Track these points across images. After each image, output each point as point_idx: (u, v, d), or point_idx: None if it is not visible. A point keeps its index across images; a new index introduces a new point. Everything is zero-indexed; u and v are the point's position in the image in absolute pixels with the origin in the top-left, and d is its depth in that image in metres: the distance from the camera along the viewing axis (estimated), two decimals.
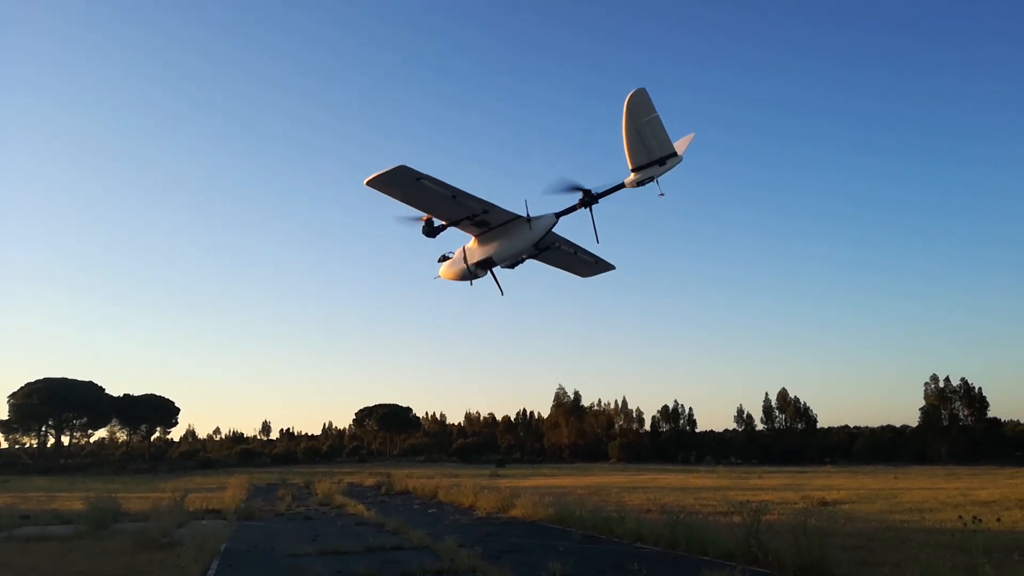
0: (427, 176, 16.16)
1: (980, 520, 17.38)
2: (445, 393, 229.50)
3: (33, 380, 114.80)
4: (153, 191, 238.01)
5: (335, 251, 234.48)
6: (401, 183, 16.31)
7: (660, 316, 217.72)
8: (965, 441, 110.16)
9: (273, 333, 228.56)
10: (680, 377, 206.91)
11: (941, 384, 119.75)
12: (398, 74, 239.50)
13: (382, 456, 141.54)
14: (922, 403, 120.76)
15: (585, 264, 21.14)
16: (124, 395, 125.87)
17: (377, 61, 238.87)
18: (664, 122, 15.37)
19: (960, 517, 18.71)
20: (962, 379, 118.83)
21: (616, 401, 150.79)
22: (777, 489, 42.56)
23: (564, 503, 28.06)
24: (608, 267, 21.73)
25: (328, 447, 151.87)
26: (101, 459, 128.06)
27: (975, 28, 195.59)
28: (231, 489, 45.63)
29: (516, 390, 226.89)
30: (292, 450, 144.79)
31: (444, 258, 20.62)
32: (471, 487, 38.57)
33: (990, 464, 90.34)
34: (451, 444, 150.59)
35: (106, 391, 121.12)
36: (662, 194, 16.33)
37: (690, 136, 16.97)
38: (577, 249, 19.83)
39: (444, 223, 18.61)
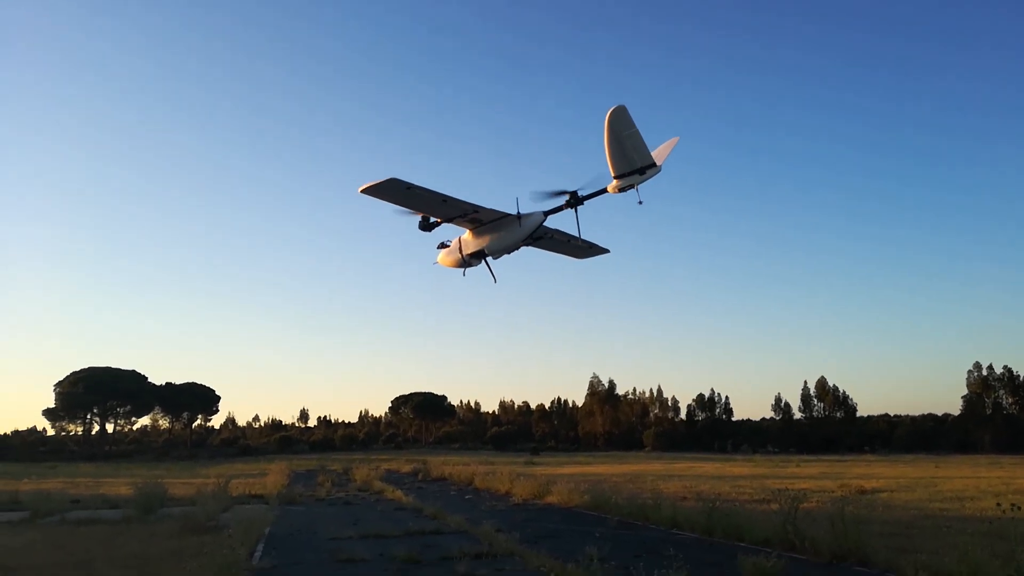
0: (416, 186, 17.35)
1: (1020, 508, 17.28)
2: (479, 381, 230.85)
3: (78, 369, 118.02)
4: (195, 182, 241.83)
5: (371, 240, 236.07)
6: (393, 192, 17.62)
7: (696, 304, 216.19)
8: (1009, 429, 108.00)
9: (310, 322, 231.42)
10: (716, 366, 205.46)
11: (984, 372, 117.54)
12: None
13: (417, 444, 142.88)
14: (965, 391, 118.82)
15: (579, 249, 22.30)
16: (166, 383, 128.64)
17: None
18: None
19: (999, 505, 18.55)
20: (1005, 366, 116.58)
21: (651, 389, 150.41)
22: (815, 477, 42.29)
23: (599, 490, 28.23)
24: (602, 251, 22.88)
25: (365, 434, 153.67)
26: (144, 446, 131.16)
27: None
28: (272, 475, 46.59)
29: (550, 379, 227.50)
30: (330, 437, 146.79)
31: (443, 245, 21.81)
32: (507, 474, 38.91)
33: None
34: (486, 432, 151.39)
35: (149, 380, 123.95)
36: (640, 202, 17.57)
37: (674, 140, 18.20)
38: (570, 238, 20.81)
39: (439, 220, 19.90)
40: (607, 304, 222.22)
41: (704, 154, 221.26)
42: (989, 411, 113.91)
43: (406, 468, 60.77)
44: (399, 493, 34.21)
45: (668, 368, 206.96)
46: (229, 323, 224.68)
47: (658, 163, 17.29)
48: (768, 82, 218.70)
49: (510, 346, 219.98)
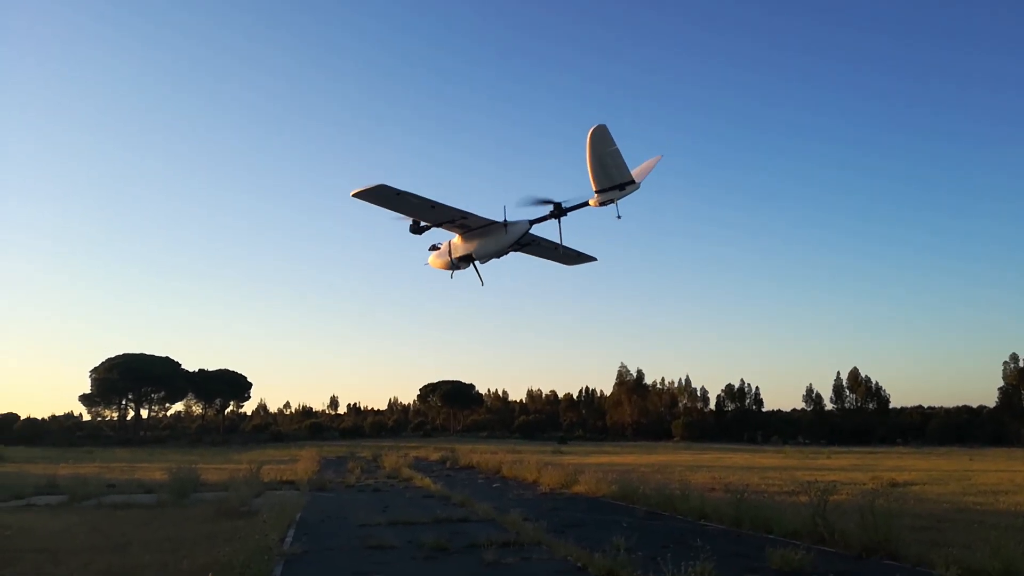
0: (406, 192, 17.95)
1: None
2: (507, 370, 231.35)
3: (113, 356, 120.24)
4: (222, 170, 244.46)
5: (402, 230, 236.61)
6: (383, 197, 18.08)
7: (726, 293, 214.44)
8: None
9: (340, 310, 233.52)
10: (747, 356, 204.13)
11: (1021, 364, 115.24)
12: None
13: (446, 432, 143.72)
14: (1000, 383, 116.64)
15: (567, 256, 22.93)
16: (199, 370, 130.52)
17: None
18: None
19: None
20: None
21: (680, 379, 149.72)
22: (846, 469, 41.88)
23: (627, 480, 28.23)
24: (590, 259, 23.47)
25: (394, 422, 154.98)
26: (178, 432, 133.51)
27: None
28: (303, 461, 47.17)
29: (578, 368, 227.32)
30: (359, 424, 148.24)
31: (434, 247, 22.52)
32: (534, 463, 39.02)
33: None
34: (513, 421, 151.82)
35: (182, 366, 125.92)
36: (619, 216, 18.31)
37: (657, 158, 18.84)
38: (557, 245, 21.18)
39: (428, 224, 20.63)
40: (636, 293, 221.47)
41: (736, 140, 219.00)
42: None
43: (434, 456, 61.18)
44: (427, 481, 34.48)
45: (697, 358, 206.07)
46: (261, 311, 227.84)
47: (638, 181, 17.99)
48: (800, 58, 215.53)
49: (538, 335, 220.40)
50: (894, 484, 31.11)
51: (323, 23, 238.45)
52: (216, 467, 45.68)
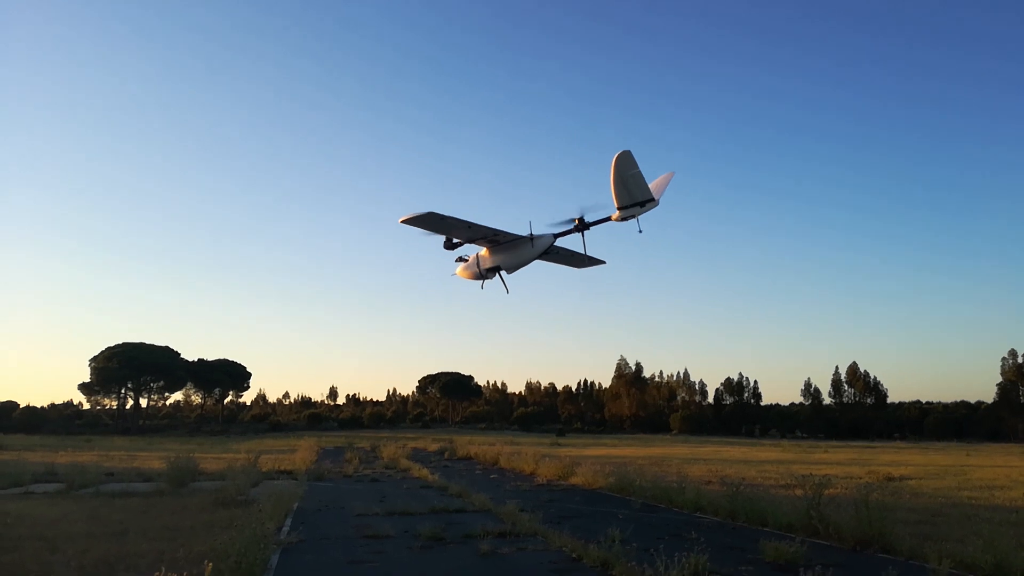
0: (449, 216, 20.37)
1: None
2: (506, 362, 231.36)
3: (113, 345, 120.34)
4: (220, 161, 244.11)
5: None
6: (428, 221, 20.57)
7: (725, 287, 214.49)
8: None
9: (340, 301, 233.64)
10: (745, 350, 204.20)
11: (1019, 359, 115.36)
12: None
13: (444, 423, 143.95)
14: (999, 379, 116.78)
15: (581, 261, 24.84)
16: (198, 360, 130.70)
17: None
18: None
19: None
20: None
21: (678, 373, 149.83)
22: (843, 464, 42.01)
23: (624, 473, 28.29)
24: (599, 262, 25.49)
25: (392, 413, 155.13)
26: (177, 421, 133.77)
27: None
28: (301, 452, 47.30)
29: (577, 361, 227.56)
30: (358, 415, 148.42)
31: (461, 259, 24.38)
32: (532, 455, 39.14)
33: None
34: (512, 413, 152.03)
35: (181, 356, 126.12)
36: (640, 231, 20.16)
37: (670, 175, 21.09)
38: (574, 253, 23.34)
39: (461, 240, 22.71)
40: (635, 287, 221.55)
41: (738, 137, 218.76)
42: (1023, 399, 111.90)
43: (432, 447, 61.32)
44: (425, 471, 34.58)
45: (696, 352, 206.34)
46: (261, 302, 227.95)
47: (656, 198, 19.75)
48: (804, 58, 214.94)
49: (537, 328, 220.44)
50: (890, 478, 31.21)
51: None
52: (214, 456, 45.82)
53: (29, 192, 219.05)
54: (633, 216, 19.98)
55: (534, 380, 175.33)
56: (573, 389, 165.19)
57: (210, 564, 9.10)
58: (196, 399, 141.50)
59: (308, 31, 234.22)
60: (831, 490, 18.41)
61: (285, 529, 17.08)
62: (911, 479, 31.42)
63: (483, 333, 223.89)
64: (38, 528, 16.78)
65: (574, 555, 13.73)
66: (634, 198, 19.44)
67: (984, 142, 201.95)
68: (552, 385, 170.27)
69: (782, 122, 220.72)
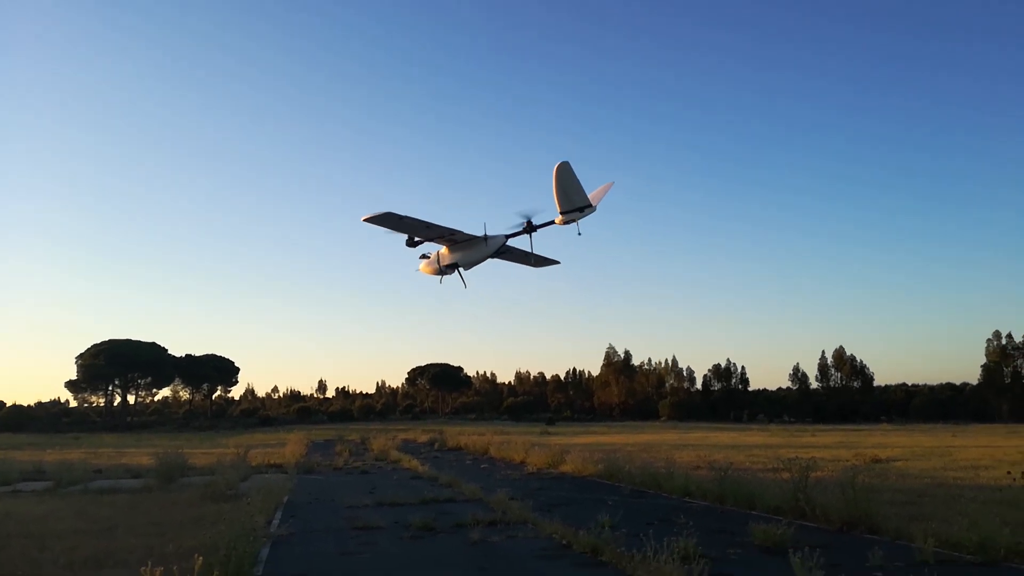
0: (407, 216, 21.83)
1: None
2: (495, 353, 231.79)
3: (99, 342, 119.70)
4: (208, 159, 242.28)
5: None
6: (388, 220, 21.82)
7: (713, 274, 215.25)
8: None
9: (328, 295, 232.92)
10: (733, 336, 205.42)
11: (1004, 341, 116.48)
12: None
13: (434, 414, 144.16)
14: (983, 360, 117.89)
15: (534, 260, 26.19)
16: (186, 355, 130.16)
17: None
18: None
19: (1009, 473, 18.56)
20: None
21: (667, 360, 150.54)
22: (830, 447, 42.33)
23: (613, 460, 28.40)
24: (553, 262, 26.98)
25: (382, 405, 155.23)
26: (165, 417, 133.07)
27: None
28: (290, 445, 47.21)
29: (566, 350, 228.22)
30: (348, 408, 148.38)
31: (424, 256, 25.98)
32: (522, 444, 39.22)
33: None
34: (501, 403, 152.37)
35: (169, 352, 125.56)
36: (580, 233, 21.77)
37: (609, 184, 22.94)
38: (528, 253, 24.72)
39: (422, 239, 24.22)
40: (623, 275, 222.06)
41: (724, 123, 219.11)
42: (1008, 380, 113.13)
43: (423, 438, 61.32)
44: (415, 462, 34.60)
45: (684, 338, 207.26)
46: (249, 297, 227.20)
47: (595, 204, 21.44)
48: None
49: (526, 318, 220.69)
50: (877, 460, 31.49)
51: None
52: (203, 452, 45.69)
53: (13, 192, 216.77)
54: (574, 220, 21.50)
55: (523, 370, 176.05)
56: (562, 378, 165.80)
57: (200, 558, 9.06)
58: (184, 395, 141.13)
59: None
60: (818, 473, 18.56)
61: (275, 522, 17.07)
62: (897, 460, 31.72)
63: (472, 324, 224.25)
64: (26, 526, 16.68)
65: (564, 541, 13.81)
66: (573, 204, 20.96)
67: (965, 128, 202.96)
68: (541, 374, 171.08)
69: (771, 114, 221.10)
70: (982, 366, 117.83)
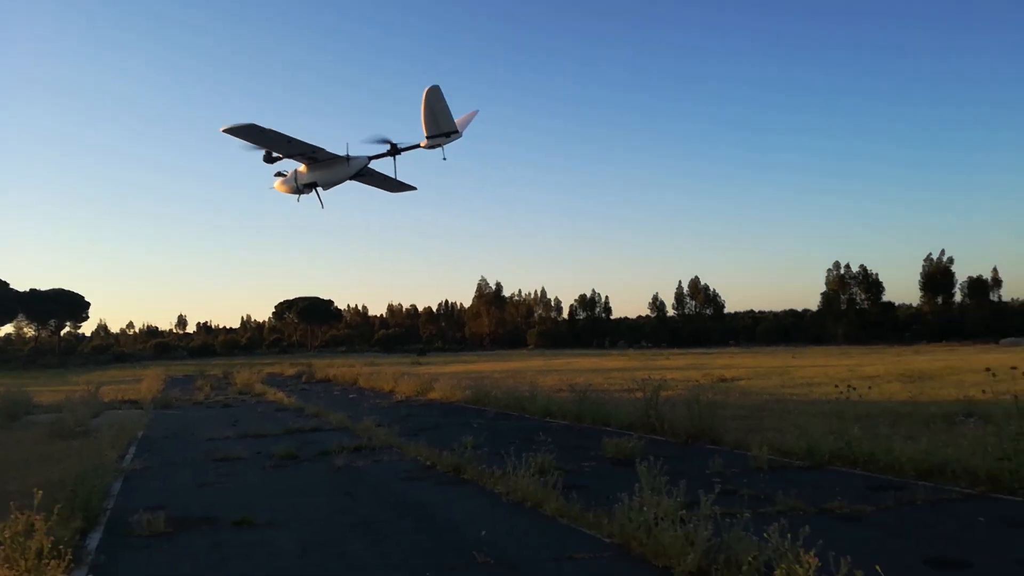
0: (271, 130, 20.88)
1: (856, 390, 19.19)
2: (367, 285, 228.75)
3: None
4: (52, 72, 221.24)
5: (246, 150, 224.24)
6: (249, 133, 20.91)
7: (580, 207, 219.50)
8: (860, 323, 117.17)
9: (187, 223, 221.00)
10: (598, 267, 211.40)
11: (842, 270, 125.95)
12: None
13: (303, 348, 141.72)
14: (823, 288, 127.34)
15: (393, 185, 26.18)
16: (31, 290, 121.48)
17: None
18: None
19: (836, 387, 20.46)
20: (861, 266, 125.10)
21: (536, 291, 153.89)
22: (682, 368, 44.95)
23: (480, 386, 29.12)
24: (411, 188, 27.09)
25: (247, 340, 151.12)
26: (8, 355, 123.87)
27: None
28: (147, 381, 45.32)
29: (438, 282, 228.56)
30: (210, 343, 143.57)
31: (280, 174, 25.30)
32: (391, 374, 39.44)
33: (882, 344, 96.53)
34: (373, 335, 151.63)
35: (11, 286, 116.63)
36: (445, 158, 22.05)
37: (474, 112, 23.42)
38: (386, 177, 24.87)
39: (280, 156, 23.54)
40: (495, 208, 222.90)
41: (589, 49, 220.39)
42: (844, 307, 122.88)
43: (290, 371, 60.39)
44: (281, 395, 34.15)
45: (553, 270, 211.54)
46: (99, 226, 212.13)
47: (461, 131, 21.72)
48: None
49: (398, 250, 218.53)
50: (723, 380, 33.84)
51: None
52: (51, 389, 43.24)
53: None
54: (440, 145, 21.65)
55: (396, 303, 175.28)
56: (434, 310, 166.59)
57: (40, 492, 8.67)
58: (29, 331, 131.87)
59: None
60: (668, 392, 19.73)
61: (129, 456, 16.56)
62: (741, 380, 34.18)
63: (343, 258, 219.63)
64: None
65: (428, 463, 14.17)
66: (440, 129, 21.20)
67: (821, 53, 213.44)
68: (414, 307, 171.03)
69: (630, 40, 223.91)
70: (822, 294, 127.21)
